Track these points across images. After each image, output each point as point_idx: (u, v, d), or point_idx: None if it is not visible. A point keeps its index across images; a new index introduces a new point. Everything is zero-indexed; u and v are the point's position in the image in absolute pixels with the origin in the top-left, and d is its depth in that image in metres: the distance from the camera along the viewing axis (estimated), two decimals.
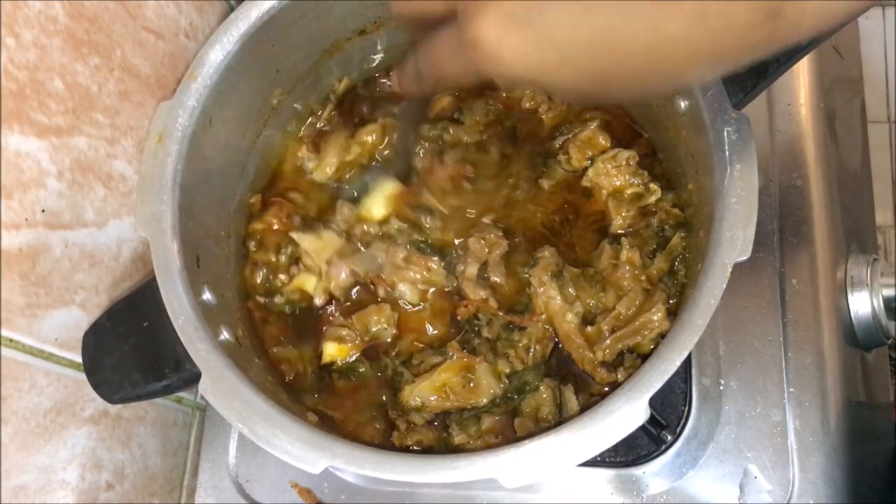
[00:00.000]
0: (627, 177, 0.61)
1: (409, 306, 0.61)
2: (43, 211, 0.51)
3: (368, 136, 0.66)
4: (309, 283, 0.62)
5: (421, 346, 0.60)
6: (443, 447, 0.56)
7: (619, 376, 0.56)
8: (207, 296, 0.55)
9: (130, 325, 0.55)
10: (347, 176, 0.66)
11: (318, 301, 0.62)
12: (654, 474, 0.60)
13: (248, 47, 0.58)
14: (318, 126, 0.69)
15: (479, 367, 0.57)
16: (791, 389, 0.61)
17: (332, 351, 0.60)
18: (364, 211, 0.63)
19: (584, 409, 0.52)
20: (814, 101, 0.69)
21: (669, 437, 0.60)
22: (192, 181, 0.56)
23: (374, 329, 0.60)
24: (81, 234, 0.55)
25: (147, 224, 0.53)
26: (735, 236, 0.48)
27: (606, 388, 0.56)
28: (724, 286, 0.47)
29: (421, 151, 0.64)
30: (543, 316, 0.58)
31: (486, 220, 0.63)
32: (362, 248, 0.62)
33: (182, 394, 0.71)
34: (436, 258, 0.60)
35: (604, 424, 0.45)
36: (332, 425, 0.59)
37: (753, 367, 0.62)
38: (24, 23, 0.47)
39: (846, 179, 0.71)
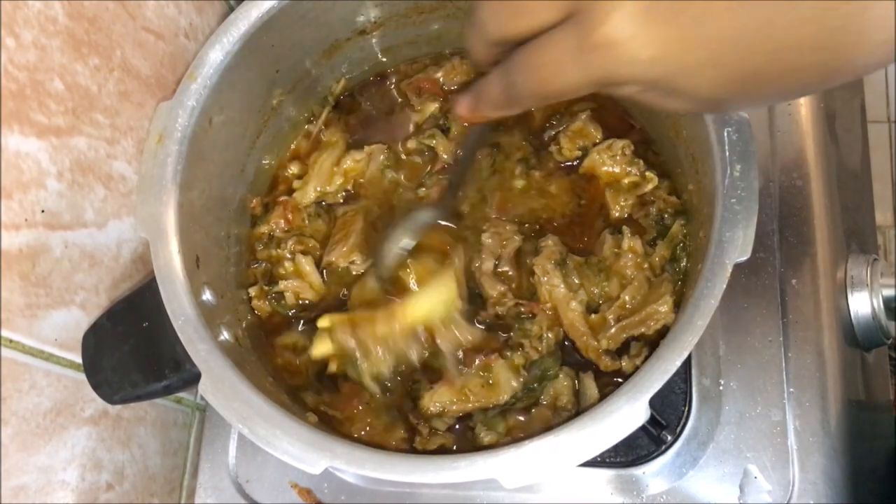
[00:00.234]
0: (624, 166, 0.62)
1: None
2: (43, 211, 0.51)
3: (354, 163, 0.66)
4: (311, 275, 0.62)
5: None
6: (469, 449, 0.56)
7: (623, 364, 0.56)
8: (207, 296, 0.55)
9: (130, 326, 0.55)
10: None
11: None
12: (654, 474, 0.60)
13: (248, 47, 0.58)
14: (314, 130, 0.69)
15: (496, 364, 0.57)
16: (791, 389, 0.61)
17: (322, 349, 0.59)
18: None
19: (602, 397, 0.52)
20: (814, 101, 0.69)
21: (669, 438, 0.60)
22: (192, 181, 0.56)
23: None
24: (81, 234, 0.55)
25: (147, 224, 0.53)
26: (735, 236, 0.48)
27: (618, 380, 0.56)
28: (724, 286, 0.47)
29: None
30: (549, 304, 0.58)
31: (494, 215, 0.63)
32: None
33: (182, 394, 0.71)
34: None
35: (604, 424, 0.45)
36: (334, 425, 0.59)
37: (753, 367, 0.62)
38: (23, 23, 0.47)
39: (846, 179, 0.71)
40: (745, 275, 0.63)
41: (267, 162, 0.68)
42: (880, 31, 0.28)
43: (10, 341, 0.49)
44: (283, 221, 0.65)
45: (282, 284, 0.62)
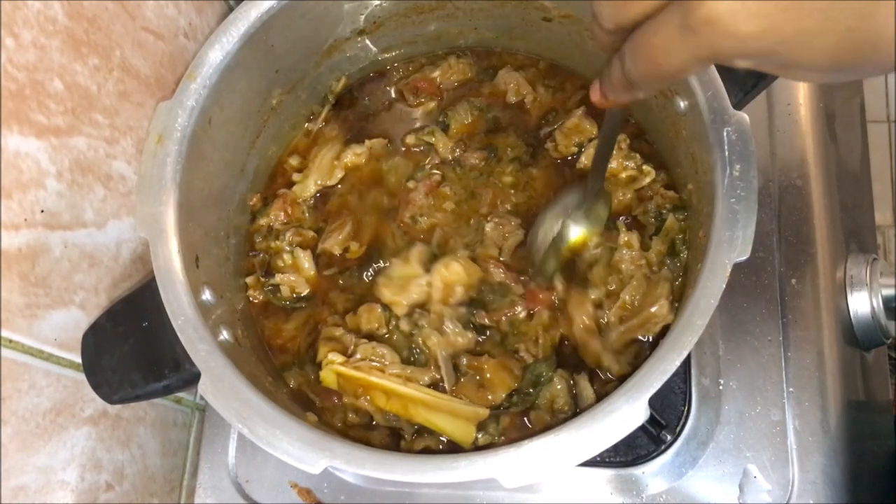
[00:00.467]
0: (621, 160, 0.62)
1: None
2: (42, 211, 0.51)
3: (355, 157, 0.67)
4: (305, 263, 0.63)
5: None
6: (457, 451, 0.56)
7: (625, 365, 0.56)
8: (207, 296, 0.55)
9: (130, 326, 0.55)
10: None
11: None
12: (653, 474, 0.60)
13: (248, 47, 0.58)
14: (314, 129, 0.70)
15: (488, 364, 0.57)
16: (791, 389, 0.61)
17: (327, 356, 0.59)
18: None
19: (600, 398, 0.53)
20: (813, 100, 0.69)
21: (669, 437, 0.60)
22: (191, 181, 0.56)
23: (365, 328, 0.60)
24: (81, 234, 0.55)
25: (146, 224, 0.53)
26: (735, 236, 0.48)
27: (611, 378, 0.57)
28: (724, 286, 0.47)
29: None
30: (552, 296, 0.59)
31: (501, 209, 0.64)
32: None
33: (182, 394, 0.71)
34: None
35: (603, 424, 0.45)
36: (313, 409, 0.59)
37: (753, 367, 0.62)
38: (23, 23, 0.47)
39: (846, 179, 0.71)
40: (745, 274, 0.63)
41: (266, 161, 0.68)
42: None
43: (10, 341, 0.49)
44: (282, 214, 0.65)
45: (278, 277, 0.63)
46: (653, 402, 0.45)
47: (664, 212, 0.60)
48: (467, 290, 0.59)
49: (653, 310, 0.55)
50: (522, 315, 0.59)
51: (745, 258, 0.47)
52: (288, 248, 0.64)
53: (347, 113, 0.71)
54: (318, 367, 0.58)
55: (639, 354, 0.57)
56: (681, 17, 0.32)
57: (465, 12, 0.66)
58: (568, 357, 0.59)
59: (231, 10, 0.60)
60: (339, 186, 0.67)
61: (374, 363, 0.57)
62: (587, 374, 0.57)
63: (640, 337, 0.56)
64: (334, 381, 0.57)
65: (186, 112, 0.56)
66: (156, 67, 0.61)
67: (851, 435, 0.61)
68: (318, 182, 0.67)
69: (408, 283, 0.59)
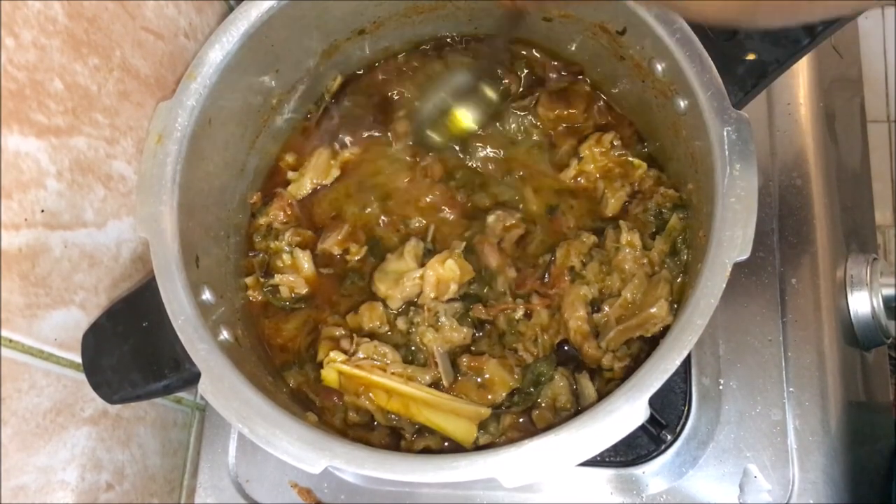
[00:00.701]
0: (614, 155, 0.63)
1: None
2: (42, 211, 0.51)
3: (351, 155, 0.67)
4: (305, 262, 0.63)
5: None
6: (458, 450, 0.56)
7: (616, 366, 0.56)
8: (207, 296, 0.55)
9: (130, 326, 0.55)
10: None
11: None
12: (653, 474, 0.60)
13: (248, 47, 0.58)
14: (310, 127, 0.70)
15: (488, 364, 0.57)
16: (791, 389, 0.61)
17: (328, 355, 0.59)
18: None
19: (601, 395, 0.53)
20: (813, 100, 0.69)
21: (669, 437, 0.60)
22: (191, 181, 0.56)
23: (367, 327, 0.60)
24: (81, 234, 0.55)
25: (147, 224, 0.53)
26: (735, 236, 0.48)
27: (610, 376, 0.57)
28: (724, 286, 0.47)
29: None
30: (554, 291, 0.59)
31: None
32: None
33: (182, 394, 0.71)
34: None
35: (603, 424, 0.45)
36: (312, 408, 0.59)
37: (753, 366, 0.62)
38: (23, 23, 0.47)
39: (846, 179, 0.71)
40: (745, 274, 0.63)
41: (267, 161, 0.68)
42: None
43: (10, 341, 0.49)
44: (281, 213, 0.65)
45: (277, 278, 0.63)
46: (653, 401, 0.45)
47: (664, 211, 0.60)
48: (461, 287, 0.60)
49: (652, 310, 0.55)
50: (521, 315, 0.59)
51: (745, 258, 0.47)
52: (287, 249, 0.64)
53: (344, 111, 0.70)
54: (319, 366, 0.58)
55: (638, 354, 0.57)
56: None
57: (466, 12, 0.66)
58: (568, 355, 0.59)
59: (231, 9, 0.60)
60: (335, 185, 0.67)
61: (375, 362, 0.57)
62: (587, 372, 0.57)
63: (639, 337, 0.56)
64: (336, 379, 0.57)
65: (186, 112, 0.56)
66: (156, 67, 0.61)
67: (852, 435, 0.61)
68: (314, 181, 0.67)
69: (401, 277, 0.60)
